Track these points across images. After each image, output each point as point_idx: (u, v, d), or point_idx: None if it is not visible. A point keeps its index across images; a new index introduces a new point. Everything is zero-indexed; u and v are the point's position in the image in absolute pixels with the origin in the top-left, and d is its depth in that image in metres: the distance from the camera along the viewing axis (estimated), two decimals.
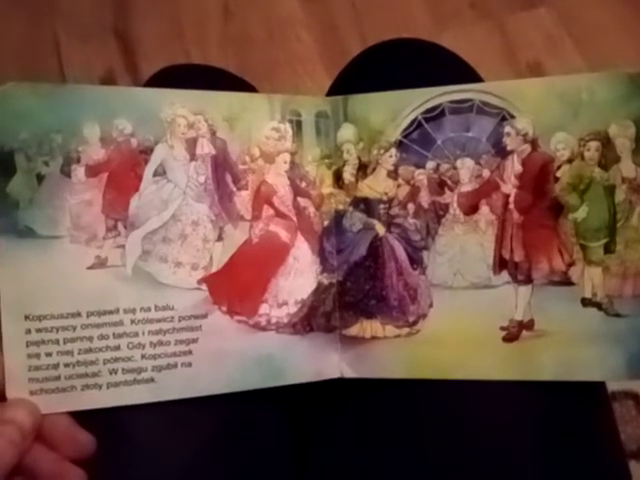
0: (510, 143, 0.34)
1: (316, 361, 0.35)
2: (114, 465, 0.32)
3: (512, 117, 0.34)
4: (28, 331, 0.31)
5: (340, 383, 0.35)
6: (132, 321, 0.32)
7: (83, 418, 0.31)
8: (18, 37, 0.93)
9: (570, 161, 0.34)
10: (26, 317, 0.31)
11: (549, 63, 0.91)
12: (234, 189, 0.35)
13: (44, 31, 0.94)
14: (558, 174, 0.34)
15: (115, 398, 0.32)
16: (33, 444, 0.30)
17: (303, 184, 0.36)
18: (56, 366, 0.31)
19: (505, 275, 0.34)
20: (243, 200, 0.35)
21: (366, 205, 0.36)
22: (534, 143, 0.34)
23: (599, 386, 0.37)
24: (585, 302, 0.33)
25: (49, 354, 0.31)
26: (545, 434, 0.33)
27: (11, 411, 0.29)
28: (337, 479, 0.35)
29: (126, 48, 0.94)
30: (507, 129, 0.34)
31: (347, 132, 0.36)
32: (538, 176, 0.34)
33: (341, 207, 0.36)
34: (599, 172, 0.34)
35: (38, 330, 0.31)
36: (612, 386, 0.37)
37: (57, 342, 0.31)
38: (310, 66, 0.92)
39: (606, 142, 0.33)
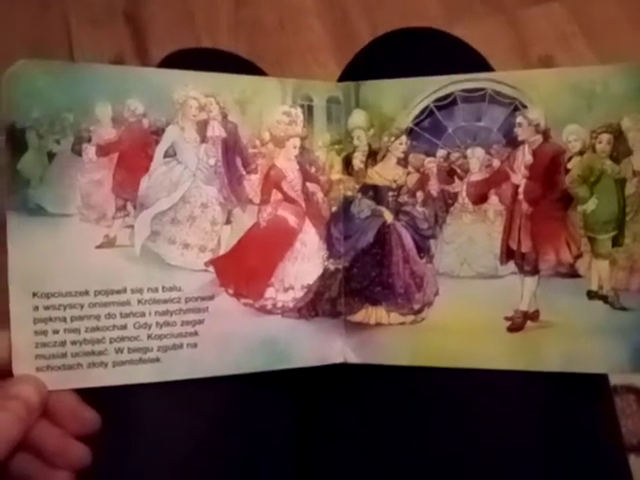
0: (521, 133, 0.34)
1: (320, 346, 0.35)
2: (118, 443, 0.33)
3: (524, 107, 0.34)
4: (36, 308, 0.31)
5: (344, 368, 0.35)
6: (139, 301, 0.32)
7: (89, 396, 0.31)
8: (29, 21, 0.93)
9: (581, 153, 0.34)
10: (34, 294, 0.31)
11: (560, 58, 0.91)
12: (244, 173, 0.35)
13: (54, 15, 0.94)
14: (569, 166, 0.34)
15: (120, 377, 0.32)
16: (38, 420, 0.30)
17: (312, 169, 0.36)
18: (63, 343, 0.31)
19: (512, 265, 0.34)
20: (252, 184, 0.35)
21: (375, 192, 0.36)
22: (546, 134, 0.34)
23: (602, 379, 0.37)
24: (591, 295, 0.33)
25: (56, 331, 0.31)
26: (547, 425, 0.33)
27: (17, 387, 0.30)
28: (340, 464, 0.35)
29: (136, 32, 0.93)
30: (519, 119, 0.34)
31: (358, 118, 0.36)
32: (548, 167, 0.34)
33: (350, 193, 0.36)
34: (610, 165, 0.33)
35: (46, 307, 0.31)
36: (614, 380, 0.37)
37: (64, 320, 0.31)
38: (320, 55, 0.91)
39: (618, 135, 0.33)
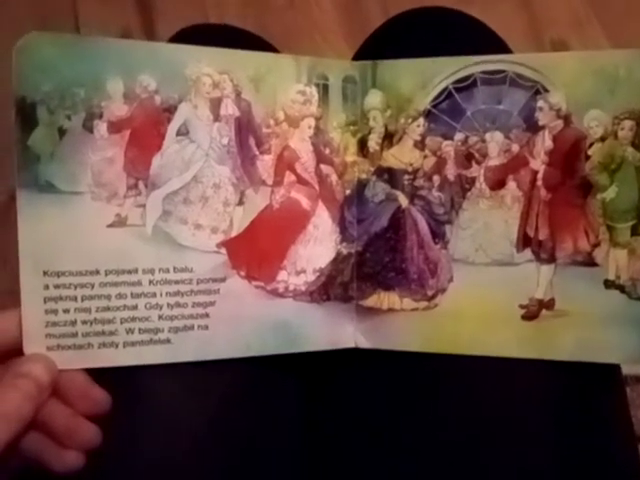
0: (542, 118, 0.33)
1: (331, 330, 0.35)
2: (128, 423, 0.32)
3: (546, 91, 0.33)
4: (46, 287, 0.31)
5: (355, 353, 0.35)
6: (150, 281, 0.32)
7: (99, 377, 0.31)
8: None
9: (603, 139, 0.33)
10: (45, 272, 0.31)
11: (574, 43, 0.89)
12: (257, 153, 0.34)
13: None
14: (589, 152, 0.33)
15: (131, 357, 0.32)
16: (48, 399, 0.30)
17: (327, 151, 0.35)
18: (73, 323, 0.31)
19: (528, 253, 0.34)
20: (265, 164, 0.34)
21: (390, 175, 0.35)
22: (567, 119, 0.33)
23: (614, 369, 0.36)
24: (608, 284, 0.33)
25: (67, 310, 0.31)
26: (558, 414, 0.33)
27: (28, 365, 0.30)
28: (350, 449, 0.35)
29: (143, 9, 0.92)
30: (540, 103, 0.33)
31: (374, 99, 0.35)
32: (569, 153, 0.33)
33: (364, 176, 0.35)
34: (632, 152, 0.33)
35: (56, 286, 0.31)
36: (624, 370, 0.37)
37: (75, 299, 0.31)
38: (330, 36, 0.90)
39: None
